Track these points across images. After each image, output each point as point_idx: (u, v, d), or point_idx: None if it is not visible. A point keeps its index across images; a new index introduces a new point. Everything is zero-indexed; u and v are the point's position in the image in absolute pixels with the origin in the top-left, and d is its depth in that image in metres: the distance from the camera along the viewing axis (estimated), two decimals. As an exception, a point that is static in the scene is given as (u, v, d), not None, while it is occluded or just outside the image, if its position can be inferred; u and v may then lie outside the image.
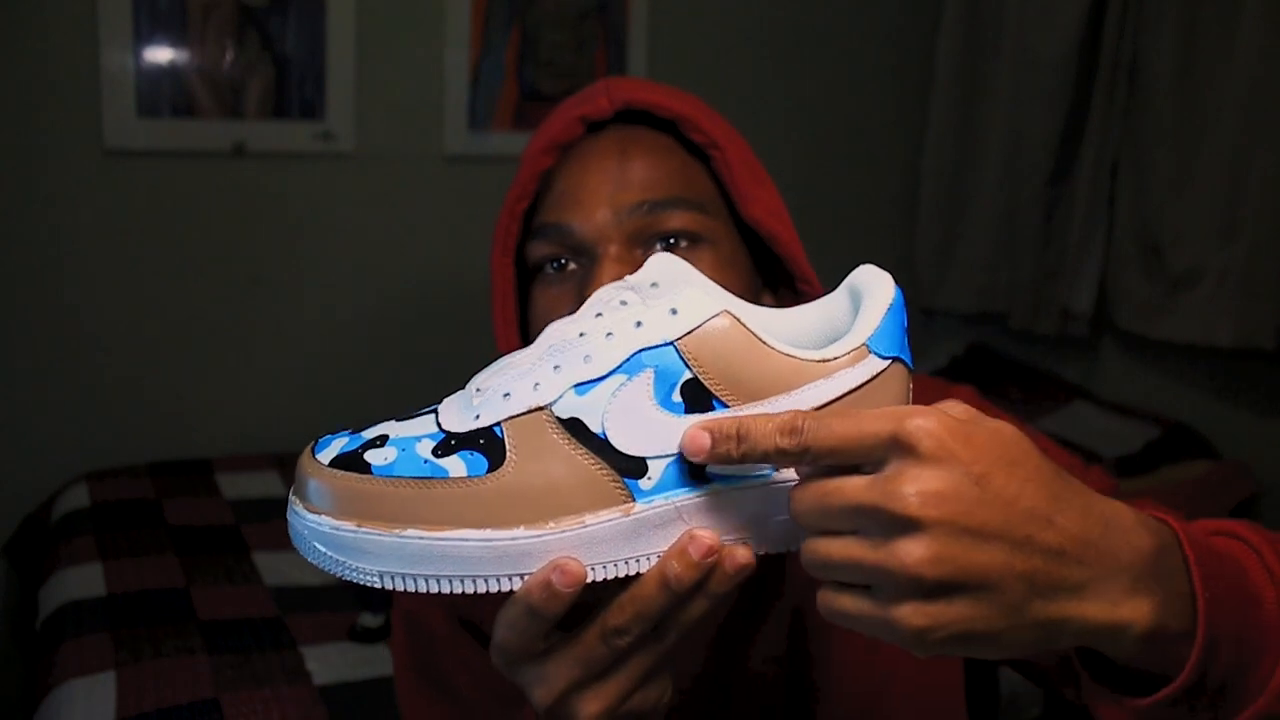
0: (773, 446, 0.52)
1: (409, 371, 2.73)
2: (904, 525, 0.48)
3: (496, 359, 0.77)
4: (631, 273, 0.72)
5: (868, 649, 0.84)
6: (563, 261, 0.79)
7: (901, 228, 3.15)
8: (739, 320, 0.54)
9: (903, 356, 0.56)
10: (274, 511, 2.28)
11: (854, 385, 0.54)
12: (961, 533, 0.48)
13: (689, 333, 0.53)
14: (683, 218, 0.77)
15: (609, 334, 0.54)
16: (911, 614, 0.48)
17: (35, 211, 2.37)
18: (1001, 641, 0.50)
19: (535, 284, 0.81)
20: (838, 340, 0.56)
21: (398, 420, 0.57)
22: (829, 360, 0.54)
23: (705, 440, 0.53)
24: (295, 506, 0.55)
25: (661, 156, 0.79)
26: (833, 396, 0.54)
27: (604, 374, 0.53)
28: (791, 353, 0.54)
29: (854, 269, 0.60)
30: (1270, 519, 2.44)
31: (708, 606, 0.56)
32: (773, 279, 0.87)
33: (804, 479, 0.53)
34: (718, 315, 0.53)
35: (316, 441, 0.57)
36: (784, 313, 0.60)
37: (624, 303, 0.56)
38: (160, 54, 2.39)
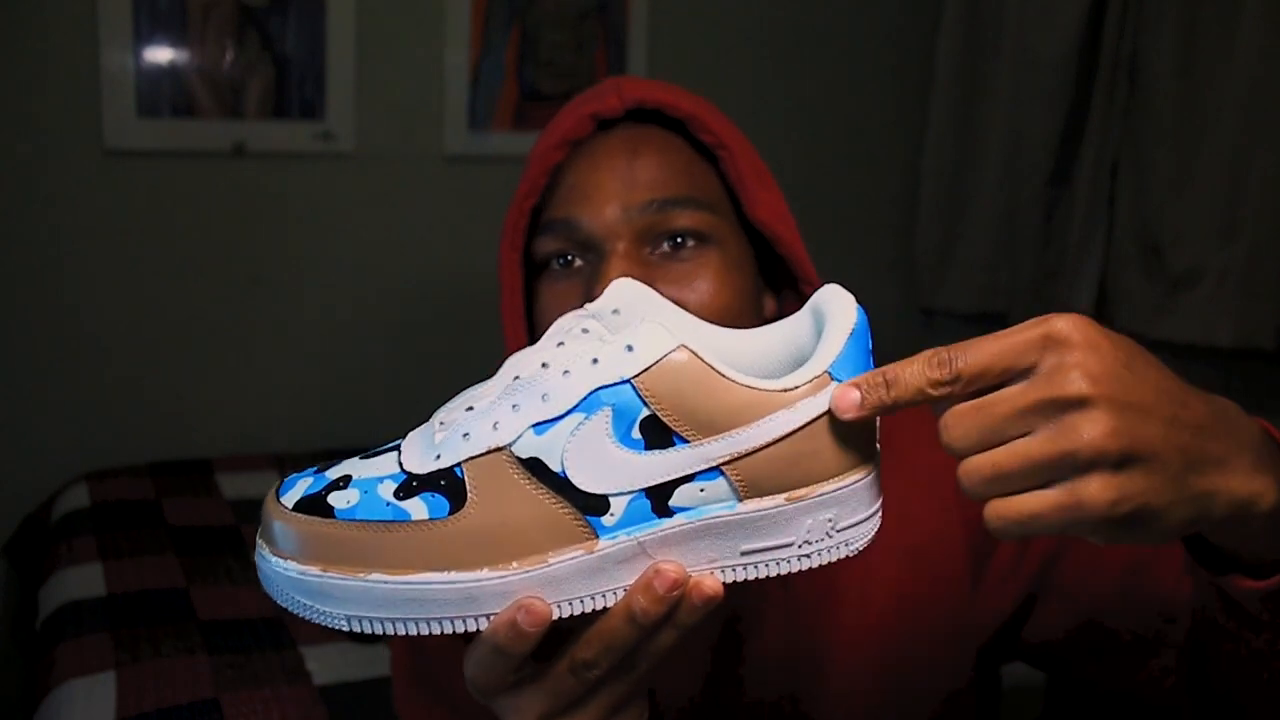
0: (925, 381, 0.52)
1: (409, 371, 2.73)
2: (1079, 404, 0.50)
3: (500, 358, 0.77)
4: (639, 272, 0.73)
5: (879, 651, 0.84)
6: (569, 257, 0.79)
7: (901, 228, 3.15)
8: (696, 355, 0.53)
9: None
10: (274, 511, 2.28)
11: (817, 414, 0.54)
12: (1127, 407, 0.50)
13: (645, 370, 0.53)
14: (691, 217, 0.78)
15: (565, 371, 0.54)
16: (1101, 488, 0.50)
17: (35, 211, 2.37)
18: (1169, 516, 0.51)
19: (542, 279, 0.81)
20: (803, 364, 0.56)
21: (362, 458, 0.57)
22: (790, 390, 0.54)
23: (855, 395, 0.54)
24: (262, 550, 0.55)
25: (671, 155, 0.80)
26: (796, 426, 0.54)
27: (561, 413, 0.53)
28: (752, 384, 0.54)
29: (826, 286, 0.59)
30: (1270, 519, 2.44)
31: (677, 637, 0.56)
32: (775, 281, 0.87)
33: (952, 407, 0.53)
34: (674, 350, 0.53)
35: (281, 482, 0.57)
36: (748, 334, 0.60)
37: (585, 330, 0.55)
38: (160, 54, 2.39)
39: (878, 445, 0.58)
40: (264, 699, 1.65)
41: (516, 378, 0.55)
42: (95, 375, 2.46)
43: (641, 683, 0.59)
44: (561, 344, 0.55)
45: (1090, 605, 0.82)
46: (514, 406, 0.54)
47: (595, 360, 0.53)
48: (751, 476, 0.54)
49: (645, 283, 0.68)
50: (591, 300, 0.67)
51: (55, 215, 2.38)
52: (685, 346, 0.53)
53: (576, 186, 0.79)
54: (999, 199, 2.91)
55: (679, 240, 0.78)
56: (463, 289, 2.73)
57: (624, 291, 0.57)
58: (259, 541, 0.56)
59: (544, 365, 0.55)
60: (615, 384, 0.53)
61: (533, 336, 0.81)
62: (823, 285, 0.58)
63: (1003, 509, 0.51)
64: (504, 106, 2.69)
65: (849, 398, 0.54)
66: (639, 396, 0.52)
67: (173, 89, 2.41)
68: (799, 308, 0.78)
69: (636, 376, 0.52)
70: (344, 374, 2.68)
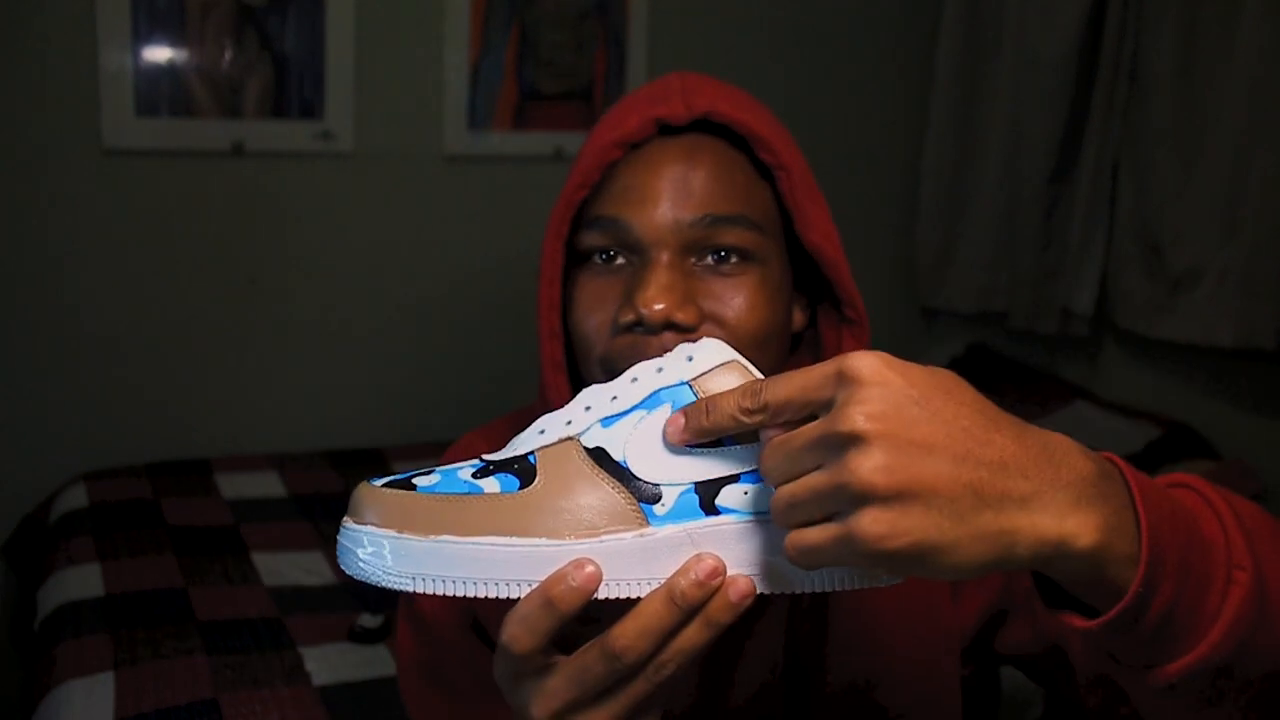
0: (737, 409, 0.57)
1: (408, 371, 2.73)
2: (854, 441, 0.52)
3: (529, 347, 0.83)
4: (680, 281, 0.76)
5: (868, 651, 0.84)
6: (611, 254, 0.80)
7: (901, 228, 3.15)
8: (746, 367, 0.60)
9: None
10: (273, 512, 2.28)
11: None
12: (907, 444, 0.51)
13: (703, 374, 0.60)
14: (740, 235, 0.78)
15: (634, 379, 0.61)
16: (870, 522, 0.51)
17: (34, 211, 2.36)
18: (958, 554, 0.51)
19: (581, 271, 0.81)
20: None
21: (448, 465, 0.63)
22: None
23: (680, 419, 0.59)
24: (346, 523, 0.61)
25: (728, 171, 0.79)
26: None
27: (627, 409, 0.60)
28: None
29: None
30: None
31: (707, 636, 0.58)
32: (816, 296, 0.87)
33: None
34: (729, 361, 0.60)
35: (373, 477, 0.63)
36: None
37: (660, 370, 0.61)
38: (159, 53, 2.38)
39: None
40: (263, 699, 1.64)
41: (588, 408, 0.62)
42: (94, 375, 2.46)
43: (664, 690, 0.60)
44: (635, 380, 0.62)
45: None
46: (586, 407, 0.61)
47: (660, 369, 0.61)
48: None
49: (683, 292, 0.76)
50: (631, 302, 0.75)
51: (53, 215, 2.38)
52: (738, 361, 0.60)
53: (631, 188, 0.78)
54: (999, 199, 2.91)
55: (723, 255, 0.78)
56: (462, 288, 2.73)
57: (700, 343, 0.63)
58: (345, 520, 0.61)
59: (614, 398, 0.62)
60: (675, 385, 0.60)
61: (566, 328, 0.82)
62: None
63: (794, 539, 0.54)
64: (503, 106, 2.69)
65: (675, 423, 0.59)
66: (695, 395, 0.59)
67: (171, 88, 2.41)
68: (835, 326, 0.85)
69: (695, 379, 0.60)
70: (343, 374, 2.68)
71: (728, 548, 0.59)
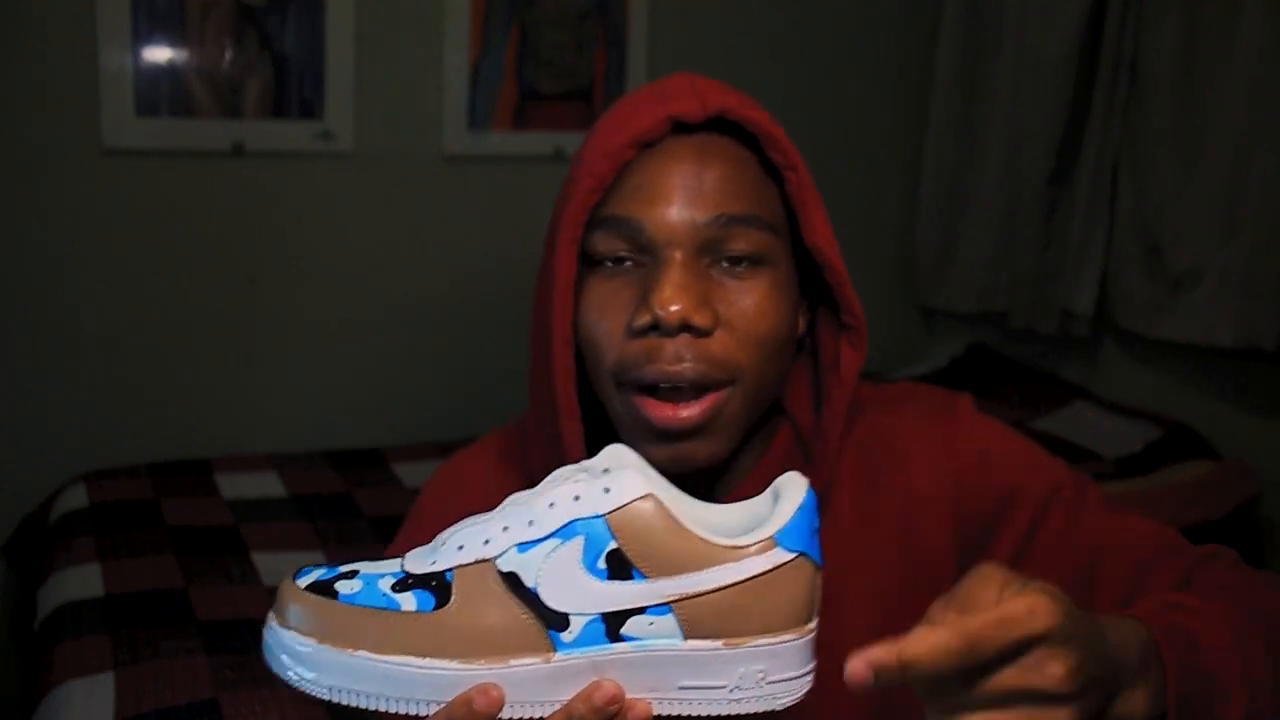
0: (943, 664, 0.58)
1: (408, 371, 2.73)
2: (1056, 699, 0.59)
3: (530, 355, 0.82)
4: (694, 282, 0.76)
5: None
6: (621, 257, 0.78)
7: (901, 228, 3.15)
8: (661, 504, 0.61)
9: (809, 553, 0.63)
10: (273, 512, 2.27)
11: (759, 571, 0.61)
12: (1091, 681, 0.60)
13: (617, 509, 0.61)
14: (754, 237, 0.77)
15: (551, 504, 0.62)
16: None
17: (34, 211, 2.36)
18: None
19: (591, 275, 0.79)
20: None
21: (372, 560, 0.66)
22: (739, 546, 0.62)
23: (868, 675, 0.58)
24: (271, 623, 0.64)
25: (741, 170, 0.79)
26: (739, 579, 0.61)
27: (542, 536, 0.61)
28: (707, 537, 0.61)
29: (787, 474, 0.66)
30: (1272, 519, 2.44)
31: None
32: (814, 301, 0.87)
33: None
34: (644, 497, 0.61)
35: (299, 571, 0.65)
36: (713, 508, 0.67)
37: (576, 498, 0.63)
38: (159, 53, 2.38)
39: (815, 617, 0.64)
40: (263, 699, 1.64)
41: (506, 528, 0.63)
42: (94, 375, 2.46)
43: None
44: (553, 505, 0.63)
45: None
46: (504, 528, 0.62)
47: (577, 497, 0.62)
48: (696, 617, 0.61)
49: (698, 294, 0.75)
50: (646, 304, 0.75)
51: (53, 215, 2.38)
52: (653, 496, 0.61)
53: (643, 187, 0.77)
54: (999, 199, 2.91)
55: (737, 259, 0.78)
56: (462, 288, 2.73)
57: (615, 454, 0.66)
58: (270, 615, 0.64)
59: (552, 506, 0.63)
60: (590, 517, 0.61)
61: (576, 335, 0.81)
62: (788, 472, 0.66)
63: None
64: (503, 106, 2.69)
65: (859, 673, 0.58)
66: (608, 530, 0.61)
67: (171, 88, 2.40)
68: (833, 331, 0.85)
69: (609, 513, 0.61)
70: (343, 374, 2.68)
71: (630, 674, 0.61)
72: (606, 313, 0.78)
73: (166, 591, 1.93)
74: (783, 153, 0.80)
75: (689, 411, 0.76)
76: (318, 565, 0.66)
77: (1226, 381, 2.56)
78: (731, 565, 0.61)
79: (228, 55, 2.43)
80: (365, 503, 2.34)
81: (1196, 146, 2.46)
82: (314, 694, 0.61)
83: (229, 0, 2.41)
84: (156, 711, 1.61)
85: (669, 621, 0.61)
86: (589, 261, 0.80)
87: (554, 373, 0.79)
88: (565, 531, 0.61)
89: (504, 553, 0.62)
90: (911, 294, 3.16)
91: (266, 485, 2.39)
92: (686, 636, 0.61)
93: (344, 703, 0.61)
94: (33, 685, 1.76)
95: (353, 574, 0.64)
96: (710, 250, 0.77)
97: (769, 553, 0.62)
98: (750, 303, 0.77)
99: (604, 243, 0.78)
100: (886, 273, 3.16)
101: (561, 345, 0.79)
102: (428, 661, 0.60)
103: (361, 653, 0.60)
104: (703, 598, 0.61)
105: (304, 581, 0.64)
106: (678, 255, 0.76)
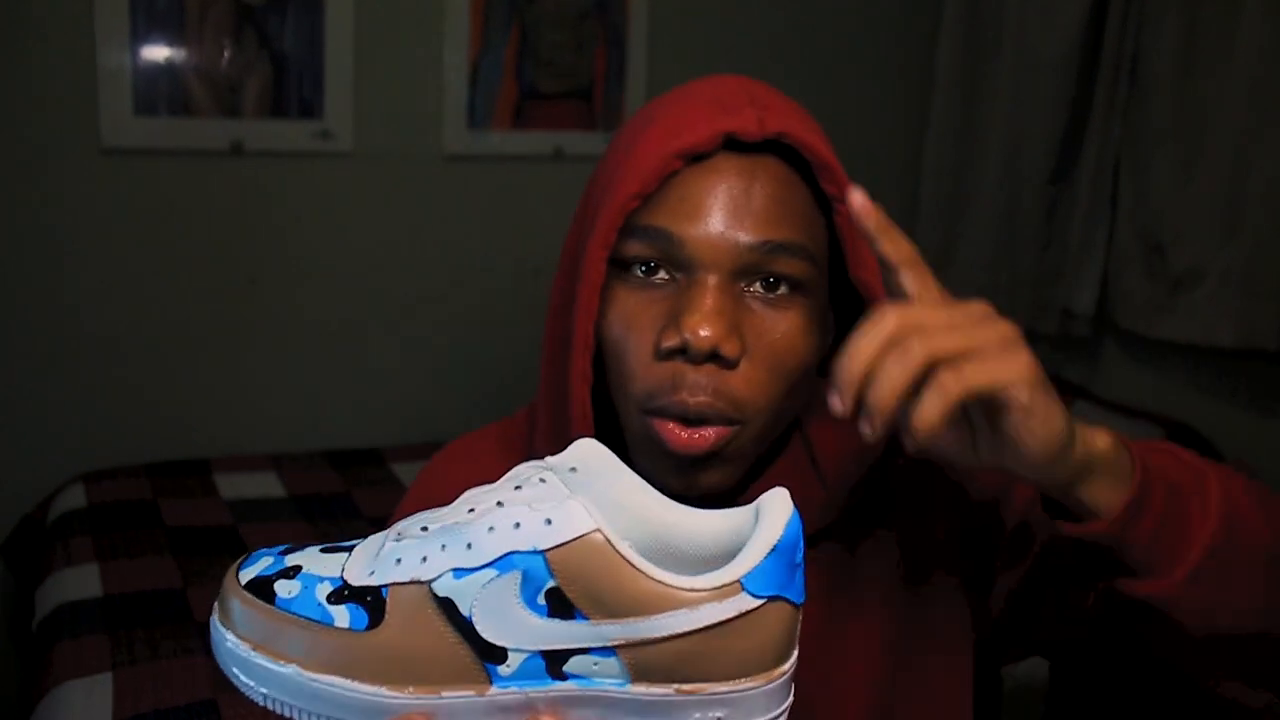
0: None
1: (407, 371, 2.73)
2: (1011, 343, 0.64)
3: (542, 362, 0.80)
4: (729, 305, 0.73)
5: (873, 669, 0.83)
6: (653, 266, 0.75)
7: (901, 227, 3.14)
8: (609, 542, 0.55)
9: (785, 595, 0.57)
10: (272, 512, 2.27)
11: (718, 620, 0.56)
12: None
13: (557, 546, 0.55)
14: (797, 265, 0.74)
15: (491, 528, 0.57)
16: (976, 365, 0.61)
17: (32, 210, 2.36)
18: (1038, 419, 0.63)
19: (618, 282, 0.76)
20: (735, 557, 0.58)
21: (322, 550, 0.62)
22: (695, 591, 0.56)
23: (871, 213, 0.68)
24: (214, 615, 0.61)
25: (790, 195, 0.75)
26: (693, 628, 0.55)
27: (478, 565, 0.56)
28: (660, 578, 0.56)
29: (773, 490, 0.60)
30: (1272, 519, 2.43)
31: None
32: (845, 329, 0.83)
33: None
34: (589, 534, 0.55)
35: (247, 556, 0.63)
36: (693, 514, 0.61)
37: (542, 480, 0.58)
38: (157, 52, 2.38)
39: (791, 655, 0.58)
40: (262, 700, 1.64)
41: (471, 510, 0.58)
42: (92, 375, 2.45)
43: None
44: (519, 488, 0.58)
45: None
46: (443, 546, 0.58)
47: (518, 525, 0.56)
48: (643, 663, 0.56)
49: (730, 321, 0.72)
50: (677, 325, 0.72)
51: (52, 214, 2.37)
52: (601, 531, 0.55)
53: (688, 200, 0.73)
54: (999, 199, 2.91)
55: (774, 282, 0.74)
56: (462, 288, 2.73)
57: (585, 452, 0.61)
58: (215, 606, 0.62)
59: (499, 504, 0.58)
60: (528, 552, 0.56)
61: (599, 344, 0.78)
62: (773, 489, 0.60)
63: (919, 416, 0.60)
64: (503, 106, 2.69)
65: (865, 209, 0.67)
66: (548, 569, 0.55)
67: (170, 87, 2.40)
68: None
69: (549, 550, 0.55)
70: (342, 374, 2.68)
71: (573, 713, 0.58)
72: (634, 327, 0.75)
73: (165, 592, 1.92)
74: (836, 184, 0.75)
75: (703, 435, 0.73)
76: (270, 550, 0.63)
77: (1227, 382, 2.55)
78: (686, 612, 0.55)
79: (227, 54, 2.43)
80: (364, 503, 2.34)
81: (1197, 146, 2.46)
82: (250, 696, 0.59)
83: (228, 0, 2.41)
84: (155, 712, 1.60)
85: (613, 664, 0.57)
86: (617, 264, 0.76)
87: (571, 377, 0.77)
88: (502, 564, 0.56)
89: (439, 576, 0.57)
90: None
91: (266, 485, 2.39)
92: (633, 681, 0.57)
93: (277, 711, 0.59)
94: (31, 686, 1.76)
95: (295, 571, 0.60)
96: (747, 275, 0.74)
97: (732, 599, 0.56)
98: (780, 335, 0.74)
99: (638, 250, 0.75)
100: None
101: (581, 351, 0.76)
102: (356, 686, 0.57)
103: (291, 666, 0.58)
104: (651, 645, 0.56)
105: (246, 575, 0.61)
106: (713, 278, 0.73)
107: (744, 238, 0.73)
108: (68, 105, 2.33)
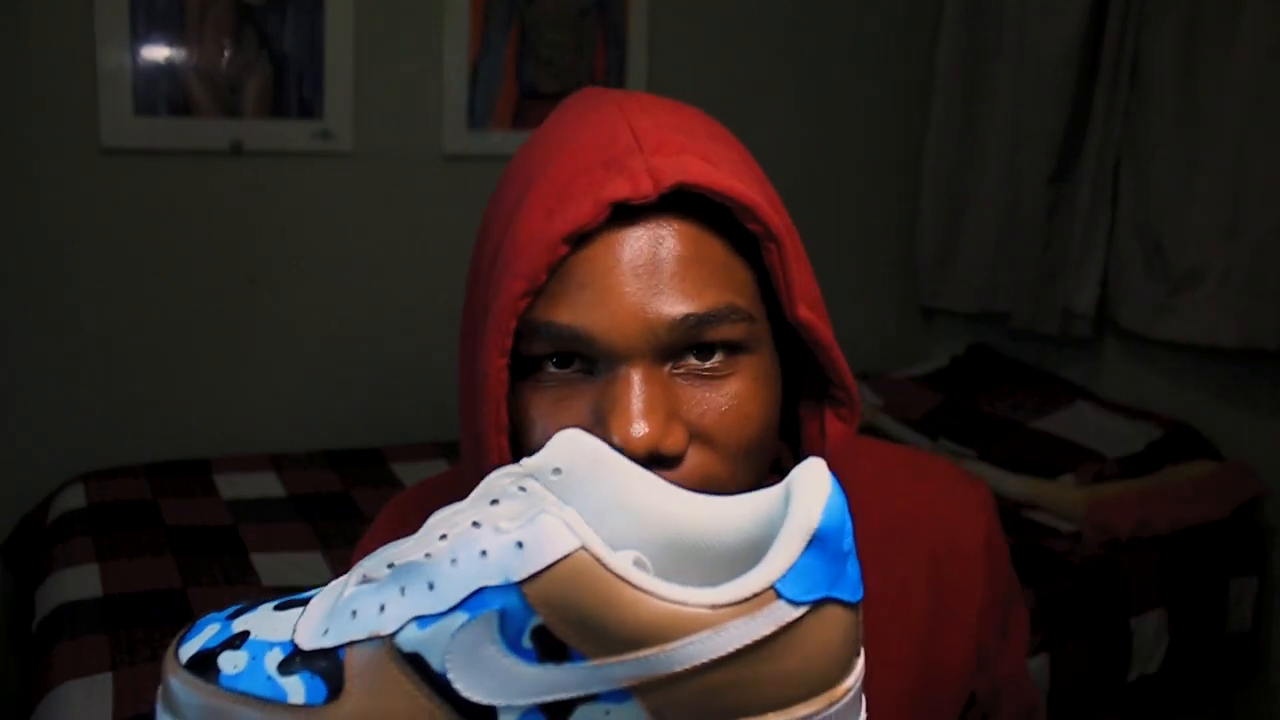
0: None
1: (407, 371, 2.72)
2: None
3: (470, 472, 0.68)
4: (659, 398, 0.62)
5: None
6: (563, 359, 0.65)
7: (901, 227, 3.15)
8: (599, 561, 0.43)
9: (836, 595, 0.45)
10: (272, 512, 2.27)
11: (753, 640, 0.44)
12: None
13: (535, 575, 0.44)
14: (729, 329, 0.64)
15: (454, 560, 0.46)
16: None
17: (32, 210, 2.36)
18: None
19: (528, 385, 0.67)
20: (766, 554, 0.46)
21: (275, 607, 0.52)
22: (718, 607, 0.43)
23: None
24: (158, 700, 0.52)
25: (704, 252, 0.64)
26: (723, 653, 0.44)
27: (443, 610, 0.46)
28: (672, 596, 0.44)
29: (806, 462, 0.48)
30: (1273, 520, 2.43)
31: None
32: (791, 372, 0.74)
33: None
34: (572, 554, 0.43)
35: (191, 626, 0.53)
36: (713, 504, 0.51)
37: (522, 488, 0.48)
38: (157, 52, 2.38)
39: (855, 662, 0.47)
40: (261, 701, 1.64)
41: (443, 536, 0.48)
42: (92, 375, 2.45)
43: None
44: (495, 502, 0.48)
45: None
46: (402, 590, 0.47)
47: (484, 553, 0.45)
48: (668, 704, 0.44)
49: (665, 414, 0.62)
50: (604, 430, 0.61)
51: (52, 214, 2.37)
52: (586, 548, 0.43)
53: (588, 287, 0.63)
54: (999, 199, 2.91)
55: (707, 353, 0.64)
56: (461, 289, 2.72)
57: (569, 448, 0.50)
58: (159, 691, 0.53)
59: (475, 524, 0.47)
60: (500, 586, 0.44)
61: (514, 448, 0.68)
62: (805, 460, 0.48)
63: None
64: (503, 105, 2.69)
65: None
66: (527, 604, 0.44)
67: (170, 87, 2.40)
68: (812, 405, 0.71)
69: (524, 582, 0.44)
70: (342, 374, 2.67)
71: None
72: (558, 425, 0.64)
73: (165, 592, 1.92)
74: (759, 222, 0.64)
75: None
76: (218, 615, 0.53)
77: (1228, 381, 2.55)
78: (709, 635, 0.43)
79: (226, 54, 2.43)
80: (364, 503, 2.34)
81: (1198, 146, 2.46)
82: None
83: (228, 0, 2.41)
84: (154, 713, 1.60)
85: (630, 711, 0.45)
86: (524, 368, 0.66)
87: (488, 460, 0.67)
88: (473, 604, 0.45)
89: (401, 628, 0.46)
90: (911, 294, 3.16)
91: (265, 485, 2.39)
92: None
93: None
94: (31, 686, 1.76)
95: (242, 639, 0.50)
96: (675, 355, 0.64)
97: (765, 610, 0.44)
98: (728, 410, 0.64)
99: (542, 349, 0.64)
100: (886, 273, 3.16)
101: (495, 458, 0.66)
102: None
103: None
104: (673, 682, 0.44)
105: (187, 650, 0.51)
106: (636, 372, 0.62)
107: (661, 319, 0.62)
108: (68, 105, 2.33)
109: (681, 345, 0.64)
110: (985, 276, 2.97)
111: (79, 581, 1.95)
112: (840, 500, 0.46)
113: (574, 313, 0.63)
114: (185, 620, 1.84)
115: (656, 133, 0.65)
